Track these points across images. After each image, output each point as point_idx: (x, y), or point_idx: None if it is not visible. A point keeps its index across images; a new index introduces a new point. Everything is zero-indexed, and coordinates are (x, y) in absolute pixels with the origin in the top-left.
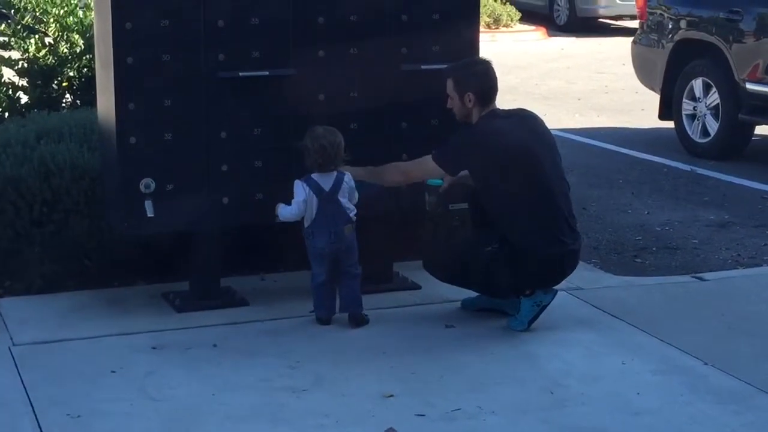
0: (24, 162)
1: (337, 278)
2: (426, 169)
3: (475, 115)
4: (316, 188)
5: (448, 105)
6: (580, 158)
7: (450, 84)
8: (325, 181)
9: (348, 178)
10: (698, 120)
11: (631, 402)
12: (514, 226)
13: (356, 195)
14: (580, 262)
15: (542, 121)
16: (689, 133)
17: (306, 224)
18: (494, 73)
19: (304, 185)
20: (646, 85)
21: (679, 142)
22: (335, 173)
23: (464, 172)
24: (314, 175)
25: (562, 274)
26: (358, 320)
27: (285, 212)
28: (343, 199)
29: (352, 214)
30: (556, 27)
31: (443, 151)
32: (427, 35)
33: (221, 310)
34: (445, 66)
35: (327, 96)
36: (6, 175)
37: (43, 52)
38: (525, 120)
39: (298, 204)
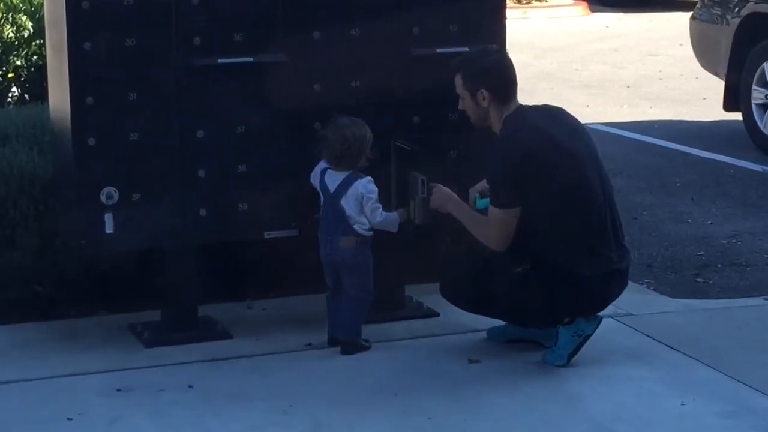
0: None
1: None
2: (498, 222)
3: (493, 117)
4: (322, 185)
5: (459, 106)
6: (630, 158)
7: (459, 81)
8: (333, 179)
9: (363, 185)
10: None
11: None
12: (550, 241)
13: (375, 209)
14: (631, 283)
15: (574, 116)
16: (760, 126)
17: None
18: (511, 63)
19: (319, 173)
20: (708, 70)
21: (749, 138)
22: (346, 174)
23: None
24: (329, 171)
25: (608, 298)
26: (345, 348)
27: None
28: (348, 207)
29: (358, 227)
30: (599, 0)
31: (494, 191)
32: (443, 12)
33: (199, 344)
34: (466, 49)
35: (324, 86)
36: None
37: None
38: (556, 116)
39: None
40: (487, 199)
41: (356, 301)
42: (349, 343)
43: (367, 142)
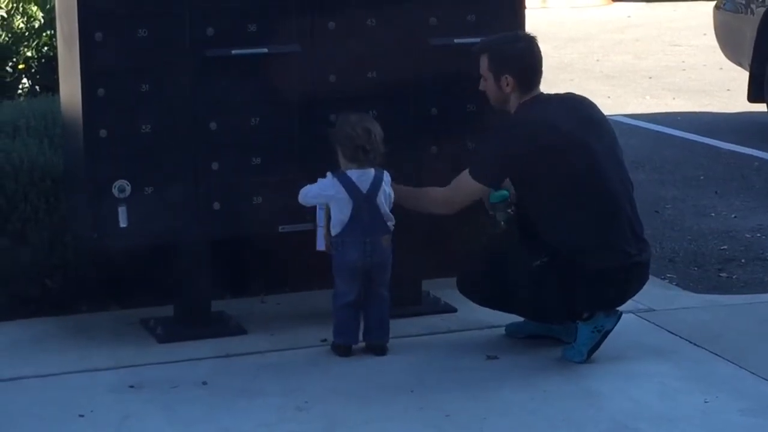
0: None
1: (363, 300)
2: (467, 190)
3: (513, 103)
4: (352, 188)
5: (480, 86)
6: (652, 150)
7: (484, 61)
8: (363, 179)
9: (387, 179)
10: None
11: None
12: (567, 235)
13: (392, 201)
14: (653, 278)
15: (596, 106)
16: None
17: (334, 231)
18: (539, 52)
19: (336, 181)
20: (732, 60)
21: None
22: (373, 171)
23: None
24: (350, 172)
25: (627, 292)
26: (382, 350)
27: (303, 192)
28: (382, 204)
29: (390, 223)
30: None
31: (480, 162)
32: (461, 2)
33: (213, 339)
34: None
35: (339, 77)
36: None
37: None
38: (576, 105)
39: (317, 191)
40: (503, 192)
41: (387, 300)
42: (386, 346)
43: (380, 136)
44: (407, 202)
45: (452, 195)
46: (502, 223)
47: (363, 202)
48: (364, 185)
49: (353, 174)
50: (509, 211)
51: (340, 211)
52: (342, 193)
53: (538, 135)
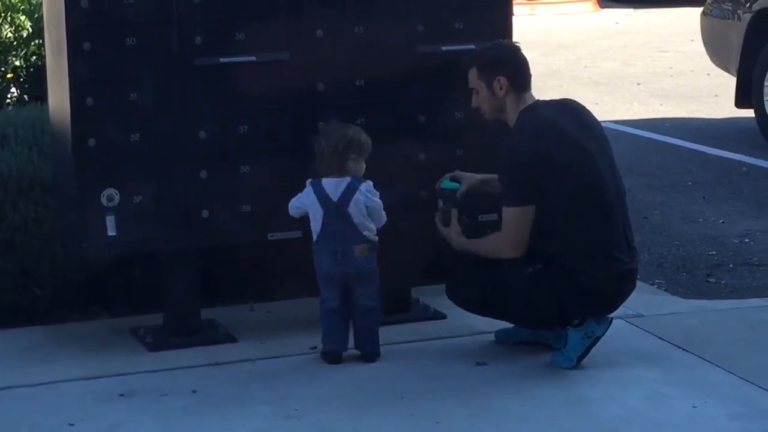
0: None
1: (349, 308)
2: (513, 222)
3: (509, 107)
4: (322, 196)
5: (473, 104)
6: (640, 156)
7: (473, 74)
8: (334, 188)
9: (366, 188)
10: None
11: None
12: (560, 241)
13: (380, 213)
14: (641, 283)
15: (591, 113)
16: None
17: (313, 238)
18: (524, 55)
19: (311, 189)
20: (719, 66)
21: (761, 135)
22: (348, 179)
23: (490, 176)
24: (325, 180)
25: (618, 299)
26: (371, 357)
27: (289, 205)
28: (355, 213)
29: (367, 233)
30: None
31: (506, 189)
32: (449, 9)
33: (202, 347)
34: (472, 47)
35: (327, 85)
36: None
37: None
38: (573, 112)
39: (297, 200)
40: (455, 184)
41: (372, 310)
42: (374, 353)
43: (357, 143)
44: (472, 249)
45: (506, 233)
46: (442, 207)
47: (333, 210)
48: (334, 193)
49: (327, 182)
50: (453, 207)
51: (314, 220)
52: (315, 201)
53: (543, 140)
